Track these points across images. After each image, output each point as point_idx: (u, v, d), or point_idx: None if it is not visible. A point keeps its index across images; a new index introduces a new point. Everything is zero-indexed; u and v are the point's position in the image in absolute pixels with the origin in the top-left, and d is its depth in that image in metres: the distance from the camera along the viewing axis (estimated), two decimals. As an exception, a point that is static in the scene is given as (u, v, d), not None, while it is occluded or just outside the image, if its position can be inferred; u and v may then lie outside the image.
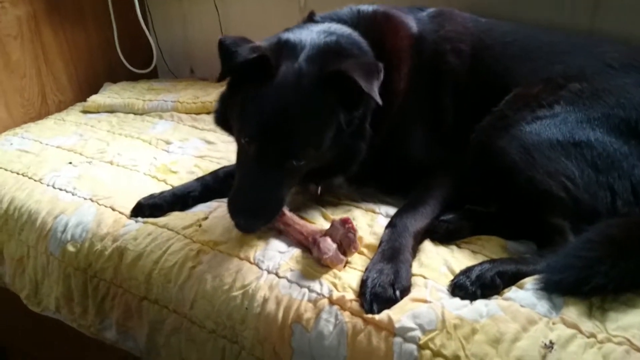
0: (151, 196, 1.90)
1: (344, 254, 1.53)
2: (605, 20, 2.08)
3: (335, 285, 1.46)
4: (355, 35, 1.73)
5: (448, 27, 1.86)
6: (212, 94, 2.81)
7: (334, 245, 1.51)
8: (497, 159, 1.59)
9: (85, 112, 2.94)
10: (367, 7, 1.85)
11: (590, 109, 1.56)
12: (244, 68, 1.52)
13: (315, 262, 1.55)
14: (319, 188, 1.84)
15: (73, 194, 2.03)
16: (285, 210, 1.65)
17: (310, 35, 1.65)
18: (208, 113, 2.77)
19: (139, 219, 1.84)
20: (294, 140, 1.52)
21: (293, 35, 1.65)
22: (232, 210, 1.58)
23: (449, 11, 1.94)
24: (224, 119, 1.75)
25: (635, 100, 1.56)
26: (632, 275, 1.32)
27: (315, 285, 1.47)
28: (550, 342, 1.23)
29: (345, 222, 1.54)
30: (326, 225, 1.63)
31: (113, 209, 1.91)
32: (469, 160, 1.70)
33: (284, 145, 1.52)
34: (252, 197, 1.55)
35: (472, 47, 1.83)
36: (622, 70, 1.65)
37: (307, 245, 1.58)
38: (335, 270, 1.51)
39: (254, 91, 1.55)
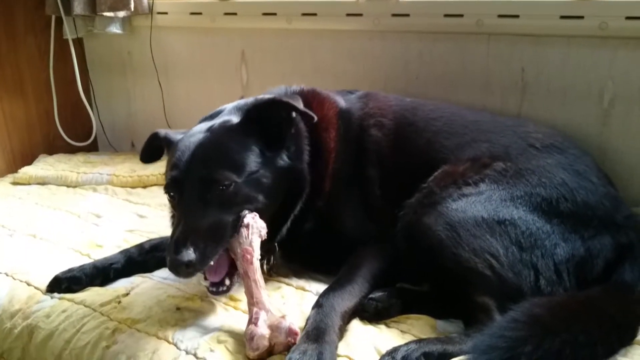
0: (70, 269, 1.81)
1: (271, 353, 1.45)
2: (532, 104, 2.17)
3: (255, 368, 1.39)
4: None
5: (372, 105, 1.94)
6: (149, 168, 2.77)
7: (266, 347, 1.42)
8: (424, 235, 1.58)
9: (15, 183, 2.84)
10: (296, 86, 1.95)
11: (513, 188, 1.59)
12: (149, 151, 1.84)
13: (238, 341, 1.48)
14: (264, 264, 1.78)
15: (-12, 268, 1.92)
16: (255, 260, 1.54)
17: (232, 104, 1.80)
18: (144, 187, 2.73)
19: (55, 294, 1.75)
20: (204, 168, 1.57)
21: (218, 109, 1.81)
22: (167, 255, 1.48)
23: (375, 93, 2.03)
24: None
25: (556, 180, 1.60)
26: (556, 356, 1.29)
27: (235, 367, 1.39)
28: None
29: (291, 333, 1.44)
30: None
31: (28, 284, 1.82)
32: (398, 236, 1.69)
33: (197, 176, 1.56)
34: (185, 232, 1.47)
35: (394, 122, 1.89)
36: (544, 150, 1.70)
37: (249, 310, 1.50)
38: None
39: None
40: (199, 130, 1.68)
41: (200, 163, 1.58)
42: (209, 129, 1.67)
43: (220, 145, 1.63)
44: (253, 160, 1.62)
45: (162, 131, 1.81)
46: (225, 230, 1.54)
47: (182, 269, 1.45)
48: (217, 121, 1.71)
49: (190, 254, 1.43)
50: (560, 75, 2.09)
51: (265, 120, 1.66)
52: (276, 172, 1.66)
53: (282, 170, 1.67)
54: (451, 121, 1.86)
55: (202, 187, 1.55)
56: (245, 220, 1.55)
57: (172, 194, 1.61)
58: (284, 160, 1.69)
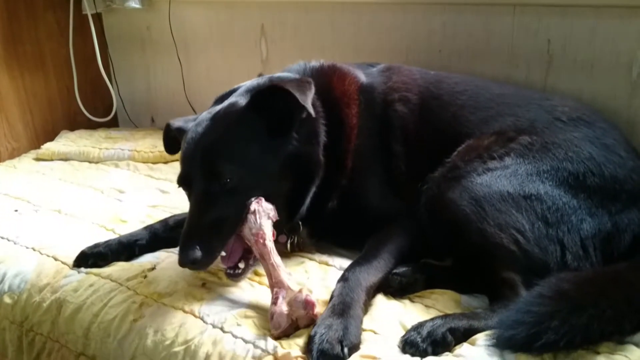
0: (96, 245, 1.83)
1: (297, 328, 1.45)
2: (558, 76, 2.13)
3: (280, 342, 1.39)
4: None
5: (395, 79, 1.90)
6: (170, 144, 2.78)
7: (287, 324, 1.43)
8: (448, 210, 1.57)
9: (38, 159, 2.87)
10: (315, 62, 1.92)
11: (539, 162, 1.57)
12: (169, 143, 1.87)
13: (264, 316, 1.49)
14: (288, 241, 1.82)
15: (15, 243, 1.96)
16: (268, 242, 1.54)
17: (247, 83, 1.78)
18: (165, 162, 2.74)
19: (82, 269, 1.77)
20: (206, 163, 1.57)
21: (233, 87, 1.79)
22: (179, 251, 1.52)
23: (397, 66, 1.99)
24: None
25: (583, 154, 1.57)
26: (583, 331, 1.29)
27: (260, 342, 1.40)
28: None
29: (307, 304, 1.44)
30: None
31: (55, 259, 1.84)
32: (420, 211, 1.68)
33: (201, 172, 1.57)
34: (191, 230, 1.53)
35: (419, 96, 1.85)
36: (571, 124, 1.67)
37: (271, 291, 1.51)
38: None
39: None
40: (204, 118, 1.66)
41: (203, 158, 1.58)
42: (214, 117, 1.65)
43: (222, 136, 1.60)
44: (257, 148, 1.60)
45: (175, 123, 1.82)
46: (230, 223, 1.56)
47: (189, 266, 1.51)
48: (225, 103, 1.68)
49: (195, 253, 1.48)
50: (588, 46, 2.04)
51: (272, 105, 1.60)
52: (283, 158, 1.62)
53: (290, 156, 1.63)
54: (476, 94, 1.83)
55: (206, 182, 1.56)
56: (251, 207, 1.56)
57: (183, 190, 1.66)
58: (292, 145, 1.64)
